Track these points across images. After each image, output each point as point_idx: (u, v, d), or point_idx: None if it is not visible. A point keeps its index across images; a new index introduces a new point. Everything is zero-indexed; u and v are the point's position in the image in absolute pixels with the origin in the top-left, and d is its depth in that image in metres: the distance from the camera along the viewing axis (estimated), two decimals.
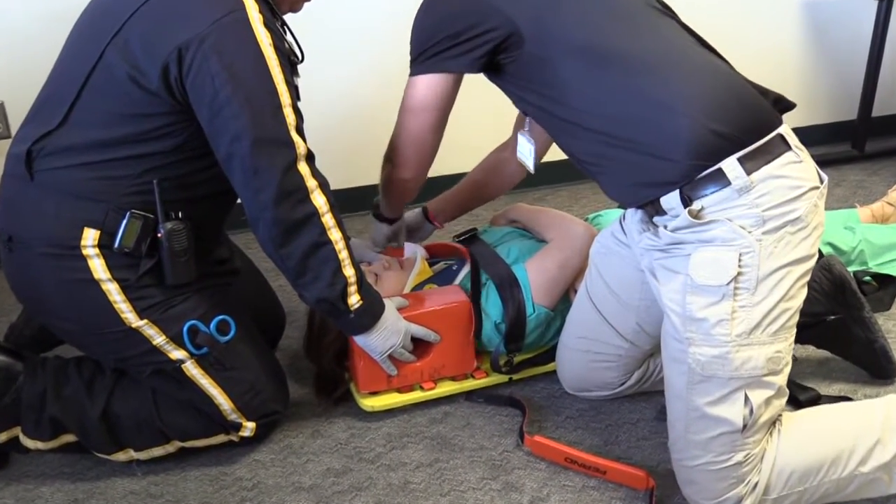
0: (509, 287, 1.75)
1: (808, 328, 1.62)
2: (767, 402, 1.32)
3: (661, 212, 1.36)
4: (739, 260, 1.27)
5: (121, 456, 1.57)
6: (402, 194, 1.77)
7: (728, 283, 1.28)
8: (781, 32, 3.13)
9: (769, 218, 1.28)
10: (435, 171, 1.75)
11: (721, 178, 1.29)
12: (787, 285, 1.30)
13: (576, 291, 1.74)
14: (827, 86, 3.27)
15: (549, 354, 1.80)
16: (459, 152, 1.96)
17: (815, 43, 3.21)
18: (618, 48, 1.37)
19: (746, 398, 1.31)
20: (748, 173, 1.28)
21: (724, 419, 1.31)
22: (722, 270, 1.28)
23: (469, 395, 1.78)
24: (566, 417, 1.71)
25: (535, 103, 1.45)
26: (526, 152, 1.71)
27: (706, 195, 1.30)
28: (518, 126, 1.82)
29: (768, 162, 1.30)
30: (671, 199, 1.33)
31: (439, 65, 1.48)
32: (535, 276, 1.77)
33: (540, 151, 1.75)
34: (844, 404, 1.43)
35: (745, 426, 1.31)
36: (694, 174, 1.30)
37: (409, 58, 1.54)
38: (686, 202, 1.31)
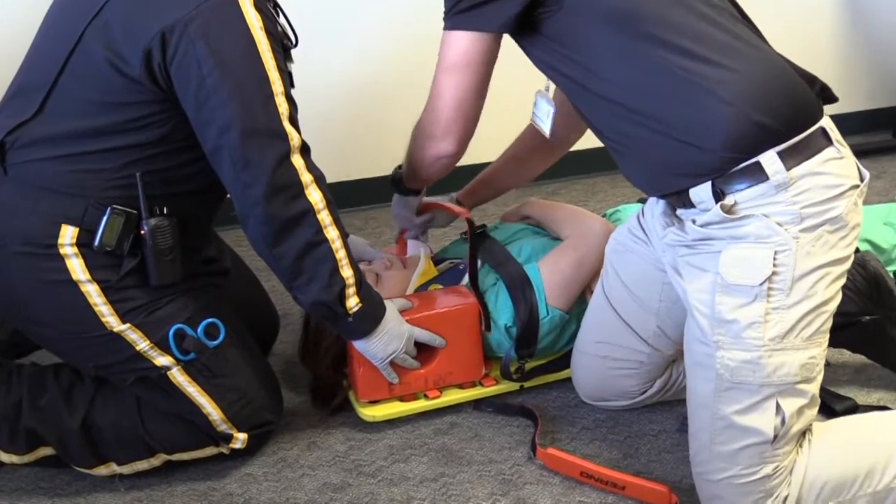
0: (521, 287, 1.75)
1: (841, 329, 1.61)
2: (800, 411, 1.31)
3: (689, 204, 1.35)
4: (774, 258, 1.27)
5: (102, 470, 1.57)
6: (441, 173, 1.68)
7: (762, 284, 1.27)
8: (817, 12, 3.11)
9: (807, 216, 1.27)
10: None
11: (758, 173, 1.28)
12: (823, 287, 1.29)
13: (592, 293, 1.73)
14: (865, 70, 3.25)
15: (564, 360, 1.80)
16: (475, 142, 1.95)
17: (852, 24, 3.18)
18: (662, 21, 1.33)
19: (778, 407, 1.30)
20: (787, 169, 1.28)
21: (754, 429, 1.31)
22: (755, 269, 1.27)
23: (477, 405, 1.78)
24: (582, 428, 1.71)
25: (564, 71, 1.42)
26: (543, 114, 1.66)
27: (740, 189, 1.29)
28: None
29: (809, 158, 1.29)
30: (701, 192, 1.32)
31: (475, 20, 1.40)
32: (549, 276, 1.76)
33: (560, 118, 1.66)
34: (880, 413, 1.43)
35: (775, 437, 1.30)
36: (729, 167, 1.29)
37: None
38: (718, 196, 1.31)
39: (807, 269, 1.28)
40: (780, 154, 1.28)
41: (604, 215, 2.00)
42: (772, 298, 1.28)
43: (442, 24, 1.44)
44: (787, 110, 1.30)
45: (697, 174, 1.32)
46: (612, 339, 1.62)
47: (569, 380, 1.78)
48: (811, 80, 1.38)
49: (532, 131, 1.83)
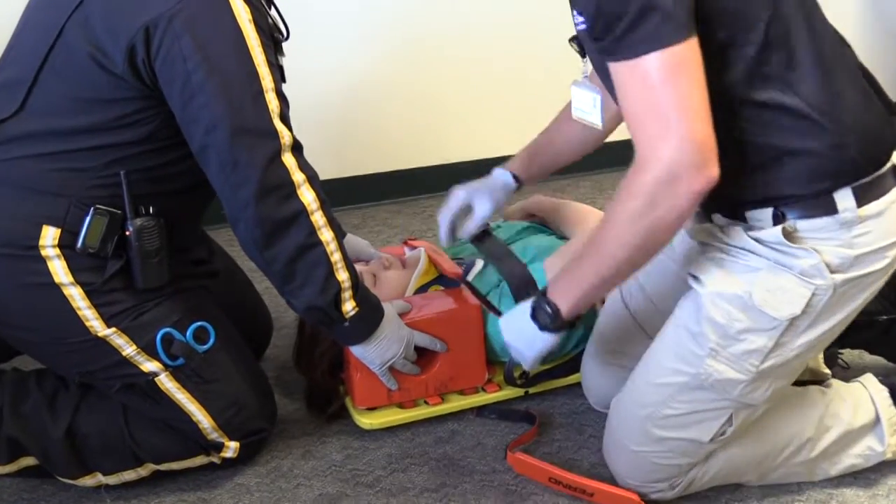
0: (526, 289, 1.73)
1: (859, 330, 1.62)
2: (745, 421, 1.40)
3: (740, 219, 1.35)
4: (809, 300, 1.29)
5: (87, 480, 1.57)
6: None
7: (786, 319, 1.30)
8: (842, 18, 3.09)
9: (857, 264, 1.29)
10: (444, 158, 1.71)
11: (828, 206, 1.28)
12: (833, 327, 1.34)
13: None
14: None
15: (571, 365, 1.79)
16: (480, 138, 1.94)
17: (878, 32, 3.16)
18: (796, 30, 1.27)
19: (730, 418, 1.38)
20: (858, 206, 1.28)
21: (697, 430, 1.39)
22: (788, 304, 1.29)
23: (480, 412, 1.77)
24: (589, 436, 1.70)
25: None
26: (588, 105, 1.47)
27: (804, 218, 1.29)
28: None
29: (878, 197, 1.29)
30: (762, 214, 1.32)
31: (676, 33, 1.15)
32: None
33: (608, 104, 1.44)
34: (791, 399, 1.49)
35: (710, 440, 1.40)
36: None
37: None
38: (777, 218, 1.30)
39: (829, 316, 1.32)
40: (854, 190, 1.27)
41: None
42: (785, 334, 1.31)
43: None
44: (873, 143, 1.29)
45: (767, 198, 1.31)
46: (627, 346, 1.61)
47: (576, 385, 1.77)
48: (889, 105, 1.36)
49: (568, 129, 1.68)
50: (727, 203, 1.35)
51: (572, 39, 1.39)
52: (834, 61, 1.28)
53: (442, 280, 1.88)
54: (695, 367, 1.35)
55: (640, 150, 1.20)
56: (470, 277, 1.83)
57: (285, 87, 1.45)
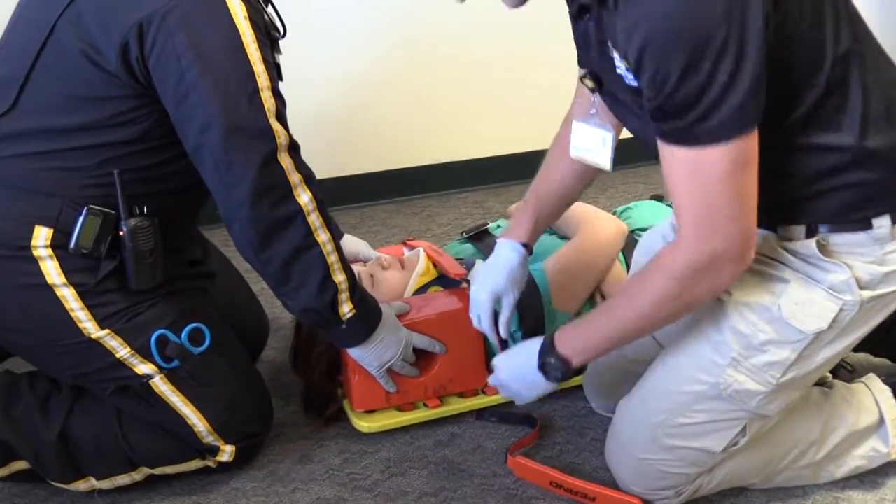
0: (526, 290, 1.73)
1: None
2: (758, 431, 1.41)
3: (772, 230, 1.35)
4: (836, 315, 1.29)
5: (80, 485, 1.57)
6: None
7: (812, 334, 1.30)
8: None
9: (885, 281, 1.29)
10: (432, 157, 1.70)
11: (862, 221, 1.28)
12: (853, 342, 1.35)
13: (602, 295, 1.72)
14: None
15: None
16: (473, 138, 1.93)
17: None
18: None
19: (744, 429, 1.38)
20: (893, 223, 1.28)
21: (711, 440, 1.39)
22: (815, 318, 1.29)
23: (480, 414, 1.77)
24: (591, 440, 1.70)
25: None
26: (595, 144, 1.40)
27: (837, 232, 1.29)
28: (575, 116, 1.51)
29: None
30: (796, 228, 1.32)
31: (743, 122, 1.14)
32: (555, 278, 1.75)
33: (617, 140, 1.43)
34: (796, 402, 1.46)
35: (723, 450, 1.40)
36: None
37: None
38: (811, 231, 1.30)
39: (852, 330, 1.32)
40: (892, 213, 1.28)
41: (614, 213, 1.98)
42: (809, 348, 1.31)
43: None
44: None
45: (806, 213, 1.31)
46: (634, 352, 1.61)
47: (578, 388, 1.77)
48: None
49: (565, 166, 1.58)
50: (760, 220, 1.33)
51: (585, 77, 1.32)
52: (885, 97, 1.26)
53: (441, 280, 1.87)
54: (714, 376, 1.35)
55: (684, 232, 1.22)
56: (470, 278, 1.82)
57: (282, 86, 1.44)
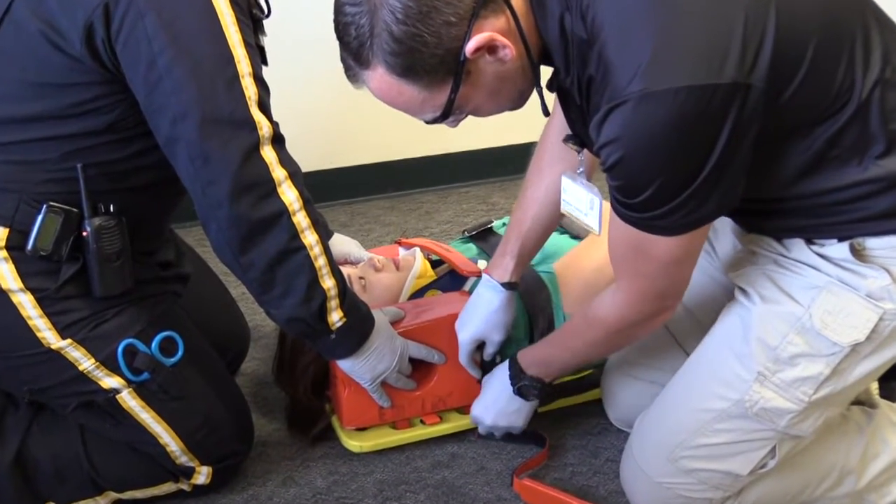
0: (536, 294, 1.74)
1: None
2: (789, 452, 1.40)
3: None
4: (875, 325, 1.29)
5: None
6: None
7: (848, 346, 1.30)
8: None
9: None
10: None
11: None
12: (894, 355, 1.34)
13: None
14: None
15: (587, 381, 1.80)
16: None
17: None
18: None
19: (773, 449, 1.38)
20: None
21: (736, 462, 1.39)
22: (851, 328, 1.29)
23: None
24: (606, 460, 1.70)
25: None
26: (583, 204, 1.46)
27: (874, 235, 1.29)
28: (553, 158, 1.58)
29: None
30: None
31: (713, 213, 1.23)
32: (567, 281, 1.76)
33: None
34: (833, 422, 1.47)
35: (749, 473, 1.40)
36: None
37: None
38: (844, 236, 1.31)
39: (894, 342, 1.31)
40: None
41: None
42: (845, 361, 1.30)
43: None
44: None
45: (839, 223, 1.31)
46: (658, 359, 1.62)
47: (591, 403, 1.78)
48: None
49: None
50: (788, 232, 1.36)
51: (568, 139, 1.39)
52: None
53: (440, 283, 1.87)
54: (739, 392, 1.35)
55: (620, 293, 1.37)
56: (469, 283, 1.83)
57: (266, 71, 1.44)
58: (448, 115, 1.23)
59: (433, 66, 1.15)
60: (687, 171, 1.14)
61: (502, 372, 1.61)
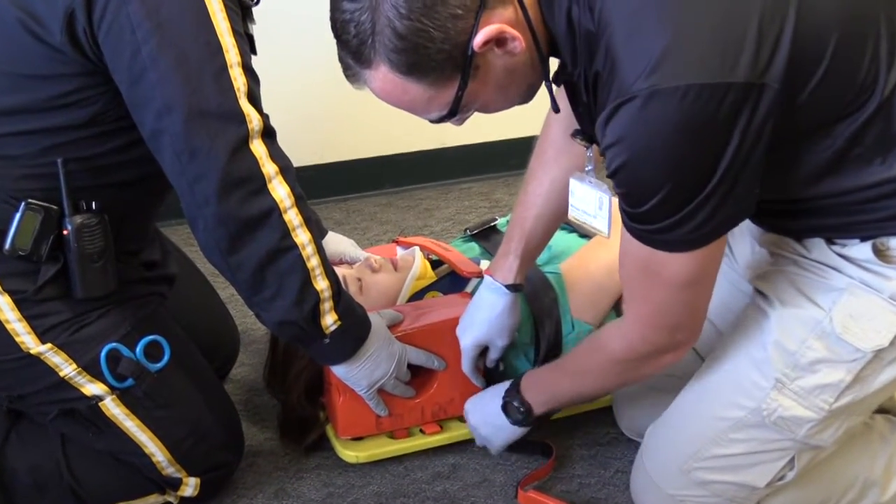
0: (541, 296, 1.74)
1: None
2: (808, 463, 1.40)
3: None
4: None
5: None
6: None
7: (870, 351, 1.29)
8: None
9: None
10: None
11: None
12: None
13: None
14: None
15: None
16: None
17: None
18: None
19: (792, 460, 1.38)
20: None
21: (752, 474, 1.39)
22: (874, 334, 1.29)
23: None
24: (616, 472, 1.70)
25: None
26: (591, 205, 1.43)
27: None
28: (557, 151, 1.59)
29: None
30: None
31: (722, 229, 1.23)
32: (575, 282, 1.76)
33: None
34: (855, 431, 1.47)
35: (767, 485, 1.40)
36: None
37: None
38: (867, 236, 1.31)
39: None
40: None
41: None
42: (867, 367, 1.30)
43: None
44: None
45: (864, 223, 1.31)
46: (673, 368, 1.58)
47: (600, 411, 1.78)
48: None
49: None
50: (808, 232, 1.35)
51: (576, 134, 1.37)
52: None
53: (440, 285, 1.87)
54: (755, 400, 1.35)
55: (630, 322, 1.37)
56: (471, 285, 1.83)
57: (256, 61, 1.44)
58: (455, 112, 1.22)
59: (440, 62, 1.14)
60: (696, 178, 1.13)
61: (502, 385, 1.61)
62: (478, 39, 1.13)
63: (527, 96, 1.27)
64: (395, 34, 1.11)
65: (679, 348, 1.37)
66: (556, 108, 1.31)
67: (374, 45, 1.13)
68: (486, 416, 1.63)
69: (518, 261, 1.62)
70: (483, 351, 1.69)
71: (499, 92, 1.23)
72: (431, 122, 1.26)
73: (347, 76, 1.22)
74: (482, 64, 1.17)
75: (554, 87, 1.29)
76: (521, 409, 1.56)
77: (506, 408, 1.58)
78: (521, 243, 1.62)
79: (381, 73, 1.16)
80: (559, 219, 1.63)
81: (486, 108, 1.26)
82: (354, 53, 1.16)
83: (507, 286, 1.62)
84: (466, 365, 1.68)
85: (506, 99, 1.26)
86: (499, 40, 1.15)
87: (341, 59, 1.20)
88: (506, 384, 1.60)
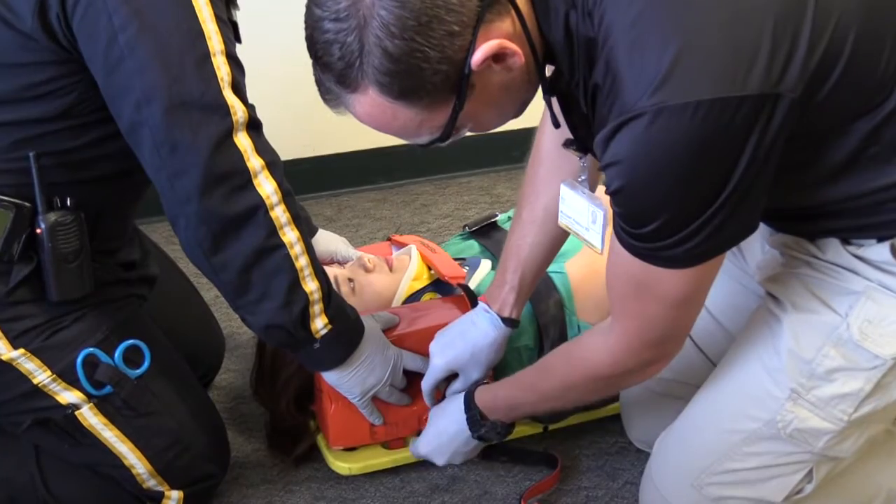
0: (545, 298, 1.74)
1: None
2: (827, 475, 1.40)
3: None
4: None
5: None
6: None
7: (891, 358, 1.29)
8: None
9: None
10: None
11: None
12: None
13: None
14: None
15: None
16: None
17: None
18: None
19: (810, 473, 1.38)
20: None
21: (768, 488, 1.39)
22: (893, 340, 1.28)
23: (487, 453, 1.76)
24: (625, 483, 1.71)
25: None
26: (583, 217, 1.42)
27: None
28: (549, 171, 1.58)
29: None
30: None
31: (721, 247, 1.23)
32: (581, 283, 1.76)
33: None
34: (878, 439, 1.47)
35: (784, 500, 1.40)
36: None
37: None
38: (884, 236, 1.30)
39: None
40: None
41: None
42: (888, 375, 1.30)
43: None
44: None
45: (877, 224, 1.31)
46: (682, 372, 1.62)
47: (607, 419, 1.78)
48: None
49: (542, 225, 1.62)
50: (822, 233, 1.35)
51: (569, 144, 1.35)
52: None
53: (439, 285, 1.87)
54: (770, 411, 1.35)
55: (615, 335, 1.35)
56: (473, 283, 1.82)
57: (240, 49, 1.44)
58: (448, 136, 1.19)
59: (436, 83, 1.10)
60: (703, 197, 1.11)
61: (456, 409, 1.58)
62: (477, 57, 1.09)
63: (520, 111, 1.26)
64: (386, 55, 1.07)
65: (664, 360, 1.37)
66: (556, 124, 1.30)
67: (361, 68, 1.08)
68: (455, 451, 1.62)
69: (514, 294, 1.61)
70: (451, 376, 1.66)
71: (492, 110, 1.21)
72: (421, 146, 1.23)
73: (326, 100, 1.18)
74: (478, 82, 1.13)
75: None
76: (500, 429, 1.57)
77: (483, 438, 1.58)
78: (517, 273, 1.60)
79: (369, 98, 1.12)
80: (558, 245, 1.62)
81: (480, 128, 1.24)
82: (339, 77, 1.11)
83: (504, 319, 1.61)
84: (428, 384, 1.66)
85: (500, 116, 1.24)
86: (497, 56, 1.12)
87: (319, 82, 1.16)
88: (452, 415, 1.59)
